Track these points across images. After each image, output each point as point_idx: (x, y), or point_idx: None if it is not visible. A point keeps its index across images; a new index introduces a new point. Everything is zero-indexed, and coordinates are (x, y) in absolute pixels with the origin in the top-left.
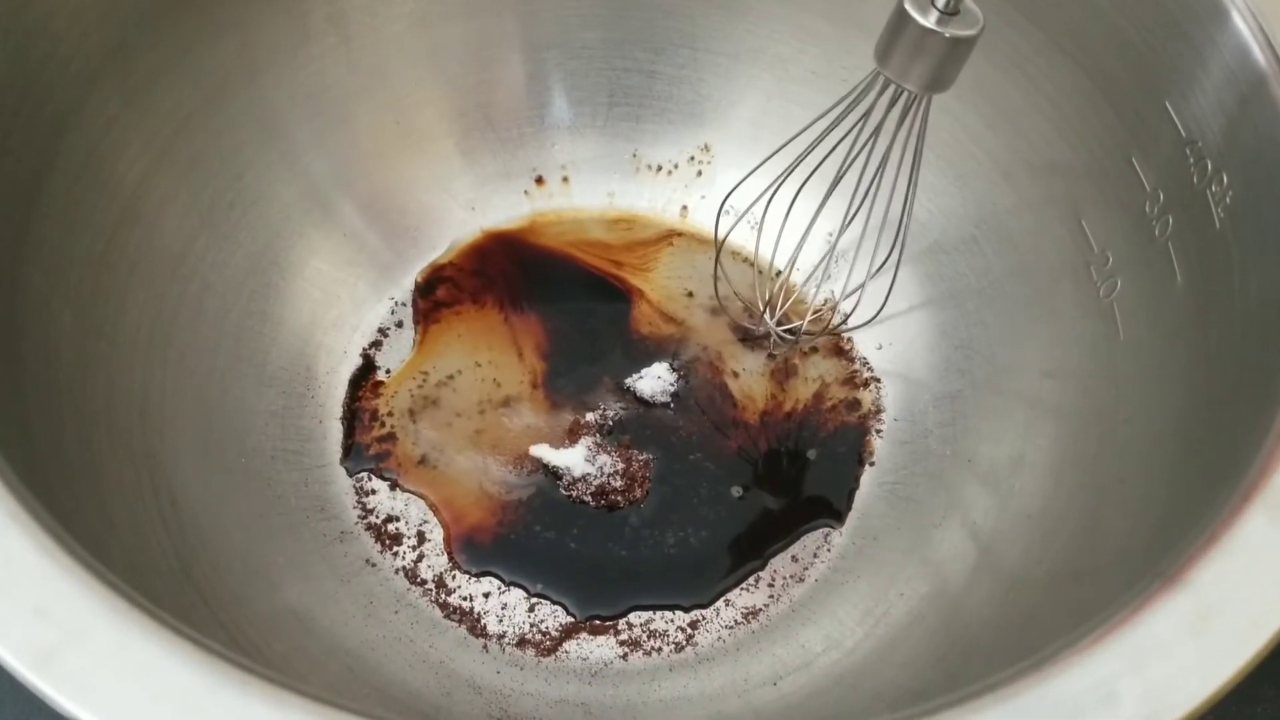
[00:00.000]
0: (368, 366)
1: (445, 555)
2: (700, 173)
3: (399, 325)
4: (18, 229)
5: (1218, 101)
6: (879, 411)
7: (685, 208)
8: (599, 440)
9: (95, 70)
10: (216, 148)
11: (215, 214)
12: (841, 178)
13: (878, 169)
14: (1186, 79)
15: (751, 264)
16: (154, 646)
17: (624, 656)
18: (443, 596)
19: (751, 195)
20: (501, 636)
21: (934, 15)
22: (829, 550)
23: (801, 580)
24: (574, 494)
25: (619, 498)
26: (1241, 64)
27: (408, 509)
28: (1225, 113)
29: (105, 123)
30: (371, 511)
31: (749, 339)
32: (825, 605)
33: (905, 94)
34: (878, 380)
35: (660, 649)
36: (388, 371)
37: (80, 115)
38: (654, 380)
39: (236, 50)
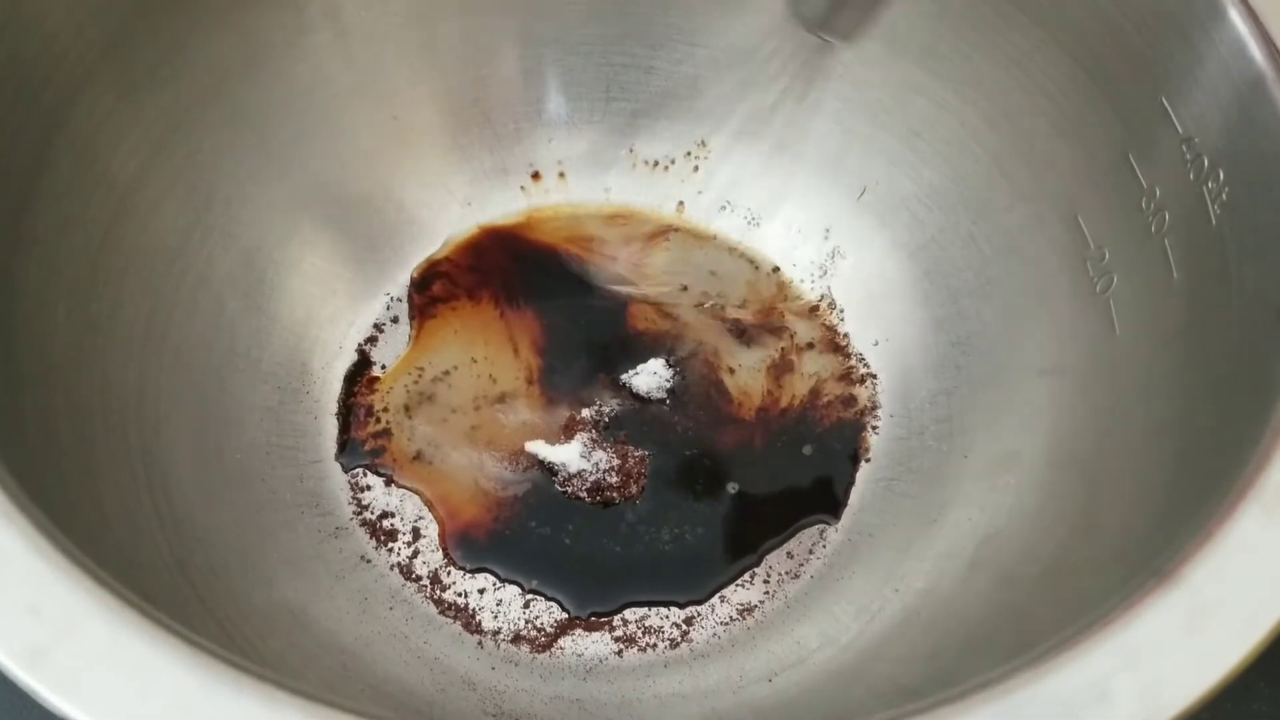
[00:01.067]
0: (363, 362)
1: (440, 551)
2: (697, 168)
3: (394, 321)
4: (11, 224)
5: (1215, 98)
6: (875, 408)
7: (682, 203)
8: (595, 436)
9: (90, 65)
10: (212, 142)
11: (210, 209)
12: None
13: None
14: (1184, 75)
15: (751, 261)
16: (147, 644)
17: (619, 653)
18: (437, 593)
19: (748, 189)
20: (496, 633)
21: None
22: (824, 547)
23: (797, 577)
24: (569, 490)
25: (614, 494)
26: (1239, 61)
27: (403, 505)
28: (1222, 109)
29: (100, 118)
30: (366, 507)
31: (745, 333)
32: (820, 602)
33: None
34: (874, 376)
35: (655, 645)
36: (383, 367)
37: (75, 110)
38: (650, 376)
39: (232, 45)
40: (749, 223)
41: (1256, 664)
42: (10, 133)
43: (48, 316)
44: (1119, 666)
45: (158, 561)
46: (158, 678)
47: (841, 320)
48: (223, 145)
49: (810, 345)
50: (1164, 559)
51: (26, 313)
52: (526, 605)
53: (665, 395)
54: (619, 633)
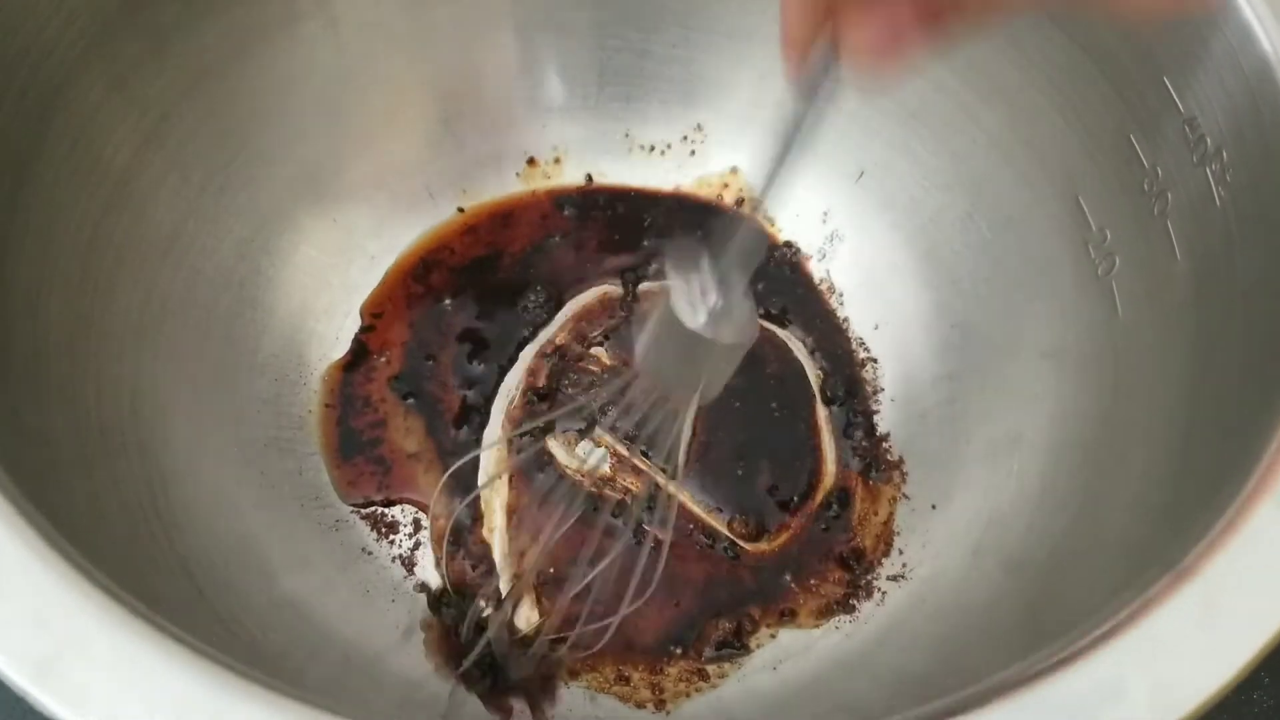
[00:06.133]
0: (360, 353)
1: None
2: (693, 152)
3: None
4: (3, 216)
5: (1218, 78)
6: (876, 392)
7: (679, 188)
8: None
9: (82, 54)
10: (204, 132)
11: (204, 199)
12: None
13: None
14: (1186, 56)
15: None
16: (152, 654)
17: None
18: None
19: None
20: None
21: (703, 316)
22: None
23: None
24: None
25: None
26: (1243, 40)
27: None
28: (1226, 90)
29: (92, 107)
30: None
31: None
32: None
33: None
34: (874, 360)
35: None
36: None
37: (66, 99)
38: None
39: (224, 33)
40: (746, 206)
41: None
42: (0, 123)
43: (41, 310)
44: (1133, 665)
45: (158, 557)
46: (163, 687)
47: (841, 304)
48: (214, 135)
49: (810, 330)
50: (1176, 551)
51: (19, 306)
52: None
53: None
54: None
